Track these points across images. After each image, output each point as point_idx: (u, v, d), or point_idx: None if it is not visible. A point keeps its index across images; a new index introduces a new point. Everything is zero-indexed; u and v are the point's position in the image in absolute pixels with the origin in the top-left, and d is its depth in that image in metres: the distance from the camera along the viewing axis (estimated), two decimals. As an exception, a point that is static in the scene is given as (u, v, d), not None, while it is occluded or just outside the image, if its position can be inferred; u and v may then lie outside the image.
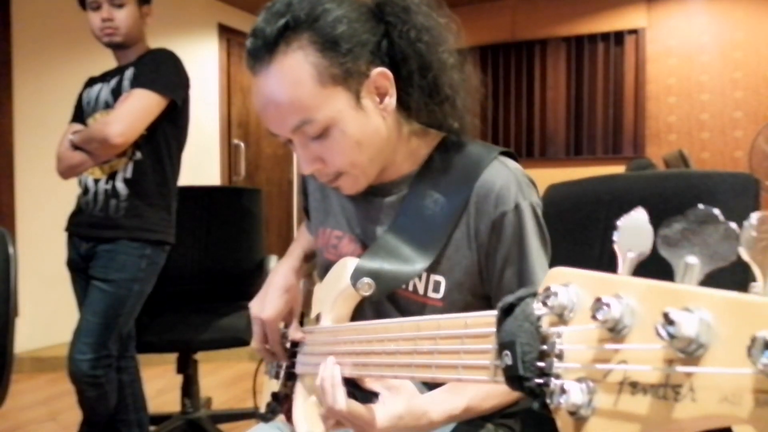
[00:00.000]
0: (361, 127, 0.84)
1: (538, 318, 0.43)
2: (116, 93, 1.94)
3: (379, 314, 0.91)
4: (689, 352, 0.32)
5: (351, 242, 0.97)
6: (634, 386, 0.34)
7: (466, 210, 0.86)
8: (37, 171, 3.63)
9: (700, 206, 0.36)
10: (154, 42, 2.07)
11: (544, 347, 0.42)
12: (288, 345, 1.02)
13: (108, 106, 1.95)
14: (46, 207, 3.53)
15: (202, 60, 4.99)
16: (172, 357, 2.36)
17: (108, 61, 2.05)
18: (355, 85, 0.83)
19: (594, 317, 0.36)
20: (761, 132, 4.52)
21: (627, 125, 5.44)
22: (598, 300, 0.36)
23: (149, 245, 1.96)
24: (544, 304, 0.41)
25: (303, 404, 0.95)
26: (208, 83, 5.03)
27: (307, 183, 1.11)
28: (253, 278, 2.47)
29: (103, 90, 1.98)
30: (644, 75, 5.38)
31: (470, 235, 0.86)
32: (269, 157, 5.63)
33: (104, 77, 2.03)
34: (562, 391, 0.38)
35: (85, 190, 1.98)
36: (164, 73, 1.95)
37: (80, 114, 2.04)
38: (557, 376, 0.40)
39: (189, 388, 2.38)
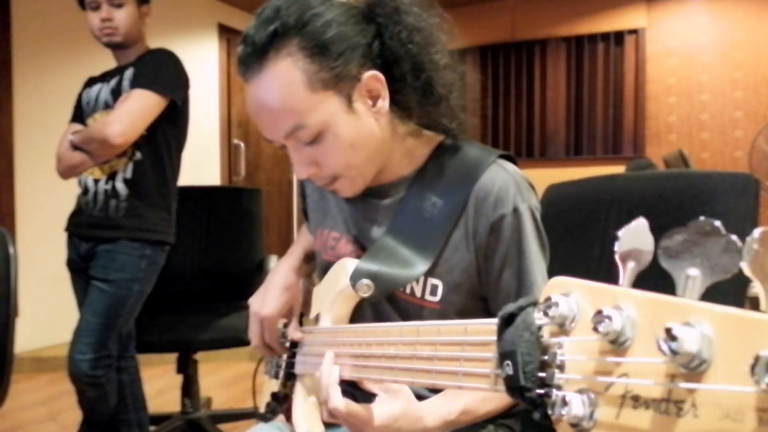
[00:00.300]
0: (354, 131, 0.84)
1: (539, 328, 0.43)
2: (116, 93, 1.94)
3: (378, 314, 0.92)
4: (692, 367, 0.32)
5: (348, 244, 0.97)
6: (636, 400, 0.34)
7: (465, 212, 0.86)
8: (37, 171, 3.63)
9: (702, 218, 0.36)
10: (154, 42, 2.07)
11: (545, 357, 0.42)
12: (287, 345, 1.02)
13: (108, 106, 1.95)
14: (46, 207, 3.53)
15: (202, 60, 4.98)
16: (172, 357, 2.36)
17: (108, 61, 2.05)
18: (346, 89, 0.83)
19: (595, 329, 0.36)
20: (761, 132, 4.52)
21: (627, 125, 5.44)
22: (599, 312, 0.36)
23: (149, 245, 1.96)
24: (545, 314, 0.41)
25: (303, 404, 0.95)
26: (208, 83, 5.02)
27: (305, 185, 1.11)
28: (253, 278, 2.46)
29: (103, 90, 1.98)
30: (644, 75, 5.37)
31: (468, 238, 0.86)
32: (269, 157, 5.63)
33: (104, 77, 2.03)
34: (564, 402, 0.38)
35: (85, 191, 1.98)
36: (164, 73, 1.95)
37: (80, 114, 2.04)
38: (558, 387, 0.40)
39: (189, 388, 2.38)
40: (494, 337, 0.48)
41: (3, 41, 3.63)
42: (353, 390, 0.81)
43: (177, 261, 2.23)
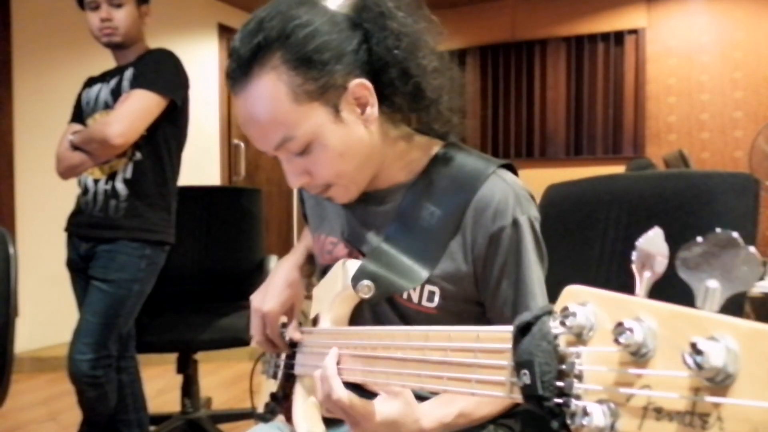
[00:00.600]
0: (343, 139, 0.84)
1: (555, 337, 0.43)
2: (116, 93, 1.93)
3: (377, 316, 0.92)
4: (717, 381, 0.31)
5: (345, 248, 0.97)
6: (659, 412, 0.34)
7: (463, 222, 0.86)
8: (37, 171, 3.62)
9: (719, 230, 0.36)
10: (154, 42, 2.07)
11: (563, 367, 0.42)
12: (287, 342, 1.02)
13: (107, 106, 1.94)
14: (46, 207, 3.52)
15: (202, 60, 4.98)
16: (172, 357, 2.36)
17: (108, 61, 2.05)
18: (333, 99, 0.82)
19: (617, 341, 0.36)
20: (761, 132, 4.52)
21: (627, 125, 5.44)
22: (620, 324, 0.36)
23: (149, 245, 1.96)
24: (563, 323, 0.41)
25: (303, 404, 0.95)
26: (208, 83, 5.02)
27: (302, 190, 1.11)
28: (253, 278, 2.46)
29: (103, 90, 1.98)
30: (644, 75, 5.37)
31: (466, 248, 0.86)
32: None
33: (104, 77, 2.03)
34: (585, 412, 0.38)
35: (85, 191, 1.97)
36: (164, 74, 1.94)
37: (79, 114, 2.03)
38: (577, 397, 0.40)
39: (189, 388, 2.38)
40: (508, 345, 0.48)
41: (3, 41, 3.62)
42: (352, 389, 0.81)
43: (177, 261, 2.23)
